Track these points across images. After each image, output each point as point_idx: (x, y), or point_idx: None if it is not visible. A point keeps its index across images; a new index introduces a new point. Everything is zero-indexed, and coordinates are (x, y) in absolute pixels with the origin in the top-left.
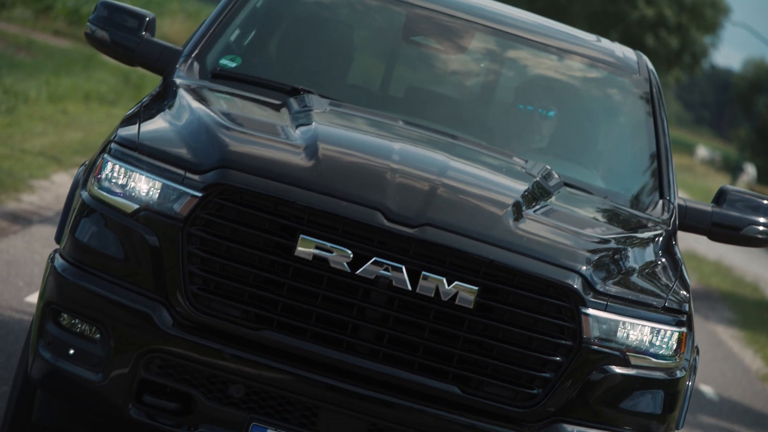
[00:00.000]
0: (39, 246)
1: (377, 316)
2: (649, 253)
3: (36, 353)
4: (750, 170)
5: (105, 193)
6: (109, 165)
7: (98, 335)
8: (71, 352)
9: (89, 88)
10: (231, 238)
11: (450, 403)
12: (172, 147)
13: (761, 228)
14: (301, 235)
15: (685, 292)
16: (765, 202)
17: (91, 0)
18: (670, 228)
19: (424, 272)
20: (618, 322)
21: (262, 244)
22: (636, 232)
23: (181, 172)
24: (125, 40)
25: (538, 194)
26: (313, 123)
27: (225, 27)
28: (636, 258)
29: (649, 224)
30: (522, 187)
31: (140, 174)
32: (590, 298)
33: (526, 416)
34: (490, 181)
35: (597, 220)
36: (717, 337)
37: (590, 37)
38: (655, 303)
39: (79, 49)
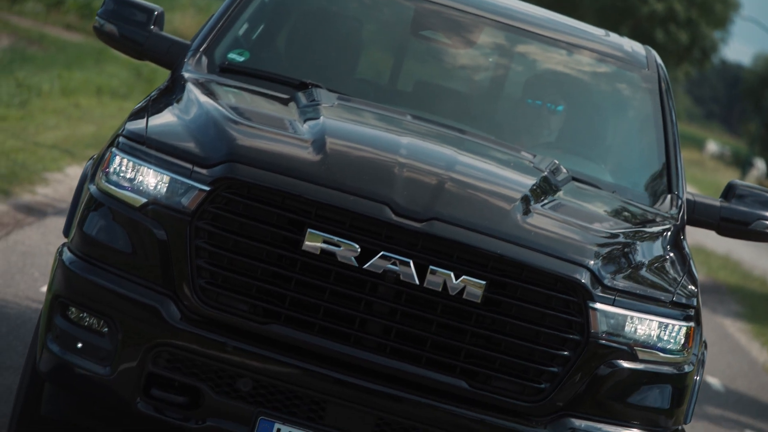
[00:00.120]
0: (53, 237)
1: (385, 311)
2: (657, 248)
3: (44, 346)
4: (760, 165)
5: (113, 187)
6: (117, 159)
7: (106, 329)
8: (79, 345)
9: (101, 82)
10: (239, 232)
11: (457, 397)
12: (180, 141)
13: None
14: (309, 229)
15: (693, 287)
16: None
17: None
18: (678, 223)
19: (431, 266)
20: (626, 316)
21: (269, 238)
22: (644, 226)
23: (189, 166)
24: (134, 34)
25: (546, 189)
26: (321, 117)
27: (233, 21)
28: (644, 253)
29: (657, 219)
30: (530, 181)
31: (148, 168)
32: (598, 292)
33: (533, 410)
34: (498, 175)
35: (605, 214)
36: (724, 330)
37: (599, 32)
38: (663, 298)
39: (91, 43)
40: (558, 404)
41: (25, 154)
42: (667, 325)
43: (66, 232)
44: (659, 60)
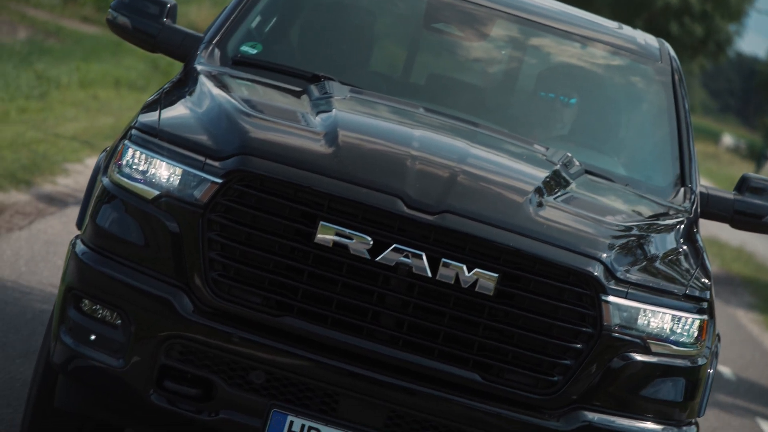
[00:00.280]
0: (74, 227)
1: (397, 303)
2: (670, 241)
3: (57, 339)
4: None
5: (126, 179)
6: (130, 151)
7: (119, 321)
8: (92, 337)
9: (119, 74)
10: (251, 224)
11: (470, 390)
12: (193, 133)
13: None
14: (321, 222)
15: (706, 280)
16: None
17: None
18: (692, 216)
19: (444, 259)
20: (639, 309)
21: (282, 231)
22: (657, 219)
23: (202, 158)
24: (146, 26)
25: (558, 182)
26: (334, 110)
27: (246, 14)
28: (657, 246)
29: (671, 212)
30: (543, 174)
31: (161, 160)
32: (611, 285)
33: (546, 403)
34: (510, 168)
35: (618, 207)
36: (737, 321)
37: (612, 25)
38: (676, 291)
39: (108, 35)
40: (571, 397)
41: (45, 145)
42: (680, 318)
43: (79, 225)
44: (672, 52)
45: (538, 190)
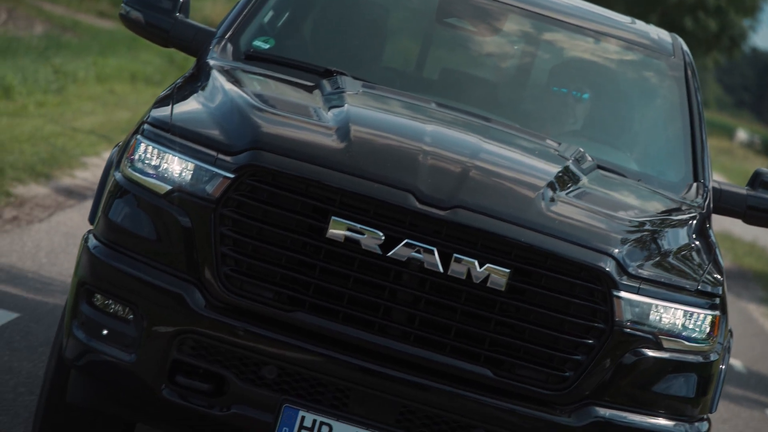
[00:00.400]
0: None
1: (409, 299)
2: (682, 237)
3: (70, 333)
4: None
5: (138, 174)
6: (142, 146)
7: (131, 316)
8: (105, 332)
9: (135, 69)
10: (263, 219)
11: (482, 385)
12: (205, 128)
13: None
14: (333, 217)
15: (718, 276)
16: None
17: None
18: (704, 211)
19: (455, 254)
20: (650, 305)
21: (293, 226)
22: (669, 215)
23: (214, 153)
24: (159, 21)
25: (570, 177)
26: (346, 105)
27: (258, 8)
28: (669, 241)
29: (683, 207)
30: (555, 169)
31: (173, 155)
32: (623, 281)
33: (558, 399)
34: (522, 163)
35: (630, 203)
36: (749, 315)
37: (625, 19)
38: (688, 286)
39: (123, 30)
40: (582, 393)
41: (63, 139)
42: (692, 314)
43: (91, 219)
44: (685, 47)
45: (550, 186)
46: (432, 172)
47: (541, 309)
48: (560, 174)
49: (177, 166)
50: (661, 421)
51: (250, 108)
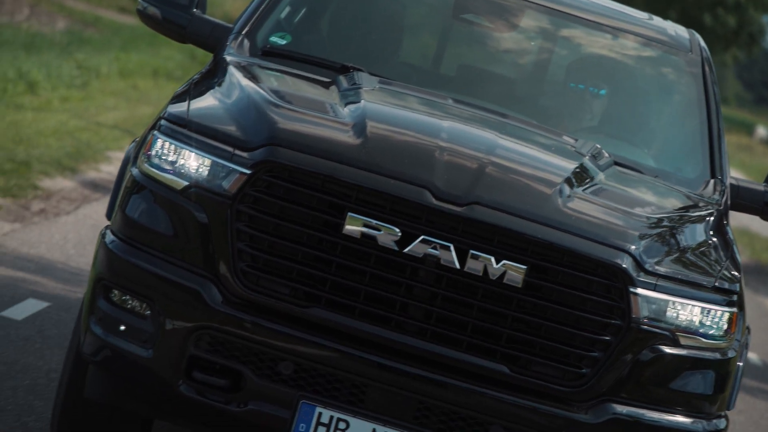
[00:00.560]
0: None
1: (425, 295)
2: (699, 233)
3: (87, 329)
4: None
5: (155, 170)
6: (159, 142)
7: (148, 311)
8: (122, 328)
9: (157, 65)
10: (279, 215)
11: (498, 382)
12: (222, 124)
13: None
14: (349, 213)
15: (736, 272)
16: None
17: None
18: (722, 207)
19: (472, 251)
20: (667, 301)
21: (310, 222)
22: (686, 211)
23: (230, 149)
24: (176, 17)
25: (587, 173)
26: (362, 101)
27: (275, 4)
28: (686, 238)
29: (700, 204)
30: (571, 165)
31: (189, 151)
32: (639, 277)
33: (574, 395)
34: (539, 159)
35: (647, 199)
36: (765, 309)
37: (642, 15)
38: (705, 283)
39: (144, 26)
40: (599, 389)
41: (88, 134)
42: (709, 311)
43: (109, 215)
44: (703, 43)
45: (567, 182)
46: (448, 168)
47: (557, 305)
48: (577, 170)
49: (194, 162)
50: (679, 419)
51: (266, 104)
